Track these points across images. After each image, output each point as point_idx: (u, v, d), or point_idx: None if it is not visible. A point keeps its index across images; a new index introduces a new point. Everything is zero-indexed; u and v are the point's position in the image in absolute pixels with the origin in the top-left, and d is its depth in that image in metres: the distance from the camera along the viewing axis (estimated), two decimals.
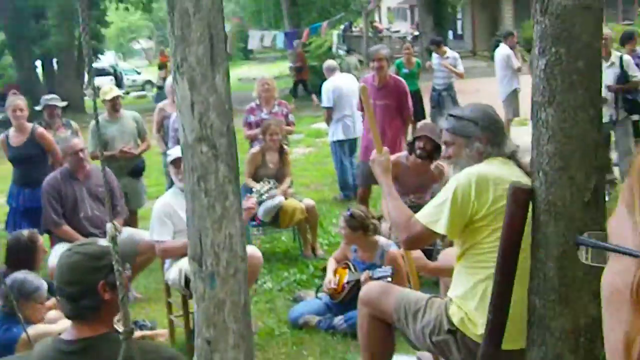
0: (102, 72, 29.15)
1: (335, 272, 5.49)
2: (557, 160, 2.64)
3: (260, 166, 6.77)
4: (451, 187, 2.98)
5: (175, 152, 4.90)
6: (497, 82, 10.60)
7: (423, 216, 3.04)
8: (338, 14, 27.22)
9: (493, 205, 2.91)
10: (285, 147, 7.09)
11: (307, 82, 20.08)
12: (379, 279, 5.11)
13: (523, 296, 2.83)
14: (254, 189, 5.06)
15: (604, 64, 8.27)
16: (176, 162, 4.84)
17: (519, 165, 3.11)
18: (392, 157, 6.34)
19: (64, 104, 7.38)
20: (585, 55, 2.62)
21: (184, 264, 4.71)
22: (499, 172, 2.99)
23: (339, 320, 5.26)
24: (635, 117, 8.12)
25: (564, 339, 2.69)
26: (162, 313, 5.37)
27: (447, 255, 3.80)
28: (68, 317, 2.46)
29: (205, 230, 2.23)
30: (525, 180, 2.92)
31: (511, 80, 10.36)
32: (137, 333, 4.69)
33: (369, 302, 3.39)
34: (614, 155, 8.08)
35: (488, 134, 3.09)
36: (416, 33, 31.19)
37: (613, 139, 8.01)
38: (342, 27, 29.73)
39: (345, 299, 5.36)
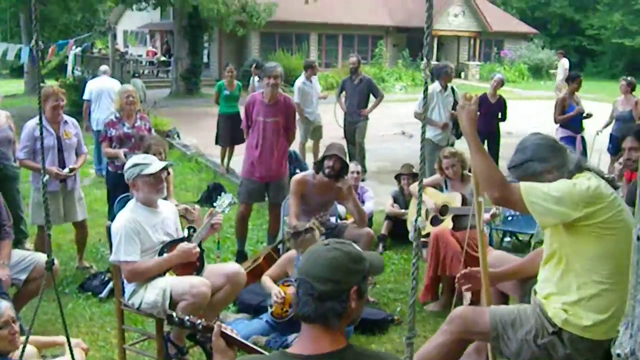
0: None
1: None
2: None
3: None
4: (567, 186, 3.13)
5: (155, 166, 4.47)
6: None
7: (527, 191, 3.13)
8: (82, 34, 26.01)
9: (602, 215, 3.12)
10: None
11: None
12: None
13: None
14: (216, 204, 4.75)
15: (444, 93, 9.23)
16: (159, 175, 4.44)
17: (597, 174, 3.35)
18: (298, 177, 6.41)
19: None
20: None
21: (164, 284, 4.27)
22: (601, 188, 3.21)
23: (293, 337, 5.08)
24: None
25: None
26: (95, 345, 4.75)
27: (499, 259, 3.92)
28: (304, 319, 2.16)
29: None
30: (611, 189, 3.19)
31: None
32: None
33: (463, 323, 3.36)
34: None
35: (549, 164, 3.29)
36: (163, 58, 30.89)
37: None
38: (79, 48, 28.39)
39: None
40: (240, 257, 7.09)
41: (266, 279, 5.43)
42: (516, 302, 3.79)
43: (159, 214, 4.55)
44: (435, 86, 9.67)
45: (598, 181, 3.21)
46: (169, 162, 4.91)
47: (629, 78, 10.86)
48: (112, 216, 7.07)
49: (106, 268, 6.69)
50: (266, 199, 7.30)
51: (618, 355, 1.81)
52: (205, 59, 29.10)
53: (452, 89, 9.87)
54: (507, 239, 7.85)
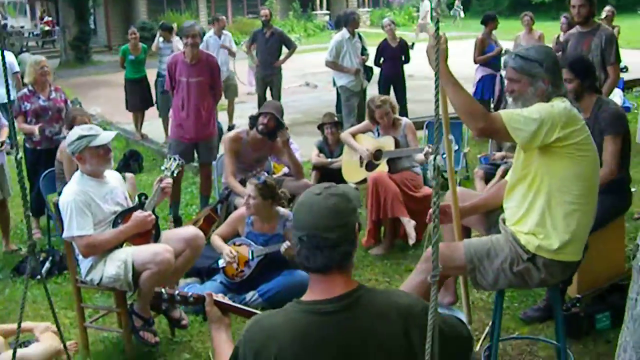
0: None
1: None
2: None
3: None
4: (545, 108, 3.22)
5: (104, 136, 4.29)
6: None
7: (508, 118, 3.20)
8: None
9: (577, 137, 3.24)
10: None
11: None
12: None
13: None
14: (164, 167, 4.62)
15: (353, 39, 9.35)
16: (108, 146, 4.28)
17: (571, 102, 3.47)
18: (232, 134, 6.34)
19: None
20: None
21: (125, 255, 4.15)
22: (574, 110, 3.34)
23: (252, 295, 5.07)
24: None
25: None
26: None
27: (468, 195, 4.00)
28: (318, 271, 2.14)
29: None
30: (580, 118, 3.33)
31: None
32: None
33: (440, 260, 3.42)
34: None
35: (550, 75, 3.38)
36: (47, 28, 29.47)
37: None
38: None
39: (251, 276, 5.17)
40: (176, 222, 6.96)
41: (216, 238, 5.36)
42: (480, 235, 3.89)
43: (107, 185, 4.39)
44: (343, 33, 9.72)
45: (571, 105, 3.32)
46: (116, 131, 4.73)
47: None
48: (34, 194, 6.81)
49: (40, 248, 6.44)
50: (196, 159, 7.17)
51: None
52: (92, 25, 27.94)
53: (359, 35, 9.96)
54: None
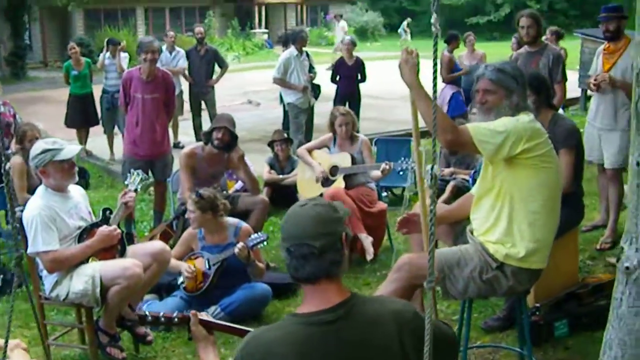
0: None
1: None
2: None
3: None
4: (511, 122, 3.36)
5: (69, 150, 4.23)
6: None
7: (475, 131, 3.33)
8: None
9: (541, 149, 3.39)
10: None
11: None
12: (255, 245, 5.11)
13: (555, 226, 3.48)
14: (127, 182, 4.58)
15: (301, 57, 9.55)
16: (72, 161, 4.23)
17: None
18: (187, 150, 6.34)
19: None
20: None
21: (92, 270, 4.11)
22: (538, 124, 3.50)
23: (214, 310, 5.05)
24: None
25: None
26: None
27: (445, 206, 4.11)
28: (308, 280, 2.19)
29: None
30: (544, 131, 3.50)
31: None
32: None
33: (411, 269, 3.50)
34: None
35: (522, 91, 3.53)
36: None
37: None
38: None
39: (210, 286, 5.16)
40: (129, 239, 6.88)
41: (171, 261, 5.33)
42: (446, 246, 4.00)
43: (71, 199, 4.34)
44: (291, 51, 9.85)
45: (535, 119, 3.48)
46: (81, 146, 4.68)
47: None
48: None
49: None
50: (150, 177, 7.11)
51: (627, 268, 2.01)
52: (27, 41, 27.34)
53: (307, 53, 10.10)
54: (384, 193, 8.17)
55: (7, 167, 2.58)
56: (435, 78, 2.02)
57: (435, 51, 2.02)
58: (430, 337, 2.04)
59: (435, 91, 2.04)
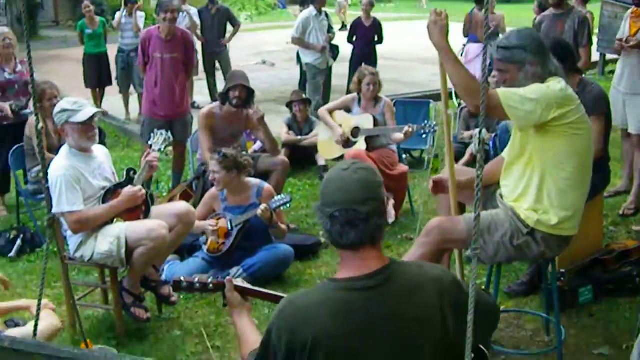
0: None
1: None
2: None
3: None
4: (541, 89, 3.28)
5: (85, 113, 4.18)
6: None
7: (505, 96, 3.25)
8: None
9: (572, 116, 3.32)
10: None
11: None
12: (278, 207, 5.10)
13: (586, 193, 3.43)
14: (151, 142, 4.54)
15: (320, 17, 9.38)
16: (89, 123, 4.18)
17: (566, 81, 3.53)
18: (205, 110, 6.28)
19: None
20: None
21: (117, 231, 4.10)
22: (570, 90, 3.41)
23: (236, 271, 5.05)
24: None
25: None
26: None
27: (463, 171, 4.04)
28: (351, 246, 2.13)
29: None
30: (575, 97, 3.41)
31: None
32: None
33: (441, 233, 3.47)
34: None
35: (536, 57, 3.41)
36: None
37: None
38: None
39: (232, 247, 5.16)
40: (152, 199, 6.86)
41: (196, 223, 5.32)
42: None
43: (95, 159, 4.31)
44: (310, 10, 9.71)
45: (567, 85, 3.39)
46: (100, 109, 4.62)
47: None
48: (3, 171, 6.64)
49: (9, 226, 6.29)
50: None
51: None
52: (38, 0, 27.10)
53: (326, 13, 9.95)
54: (404, 156, 8.11)
55: (39, 127, 2.55)
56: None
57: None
58: (472, 305, 2.01)
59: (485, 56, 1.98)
